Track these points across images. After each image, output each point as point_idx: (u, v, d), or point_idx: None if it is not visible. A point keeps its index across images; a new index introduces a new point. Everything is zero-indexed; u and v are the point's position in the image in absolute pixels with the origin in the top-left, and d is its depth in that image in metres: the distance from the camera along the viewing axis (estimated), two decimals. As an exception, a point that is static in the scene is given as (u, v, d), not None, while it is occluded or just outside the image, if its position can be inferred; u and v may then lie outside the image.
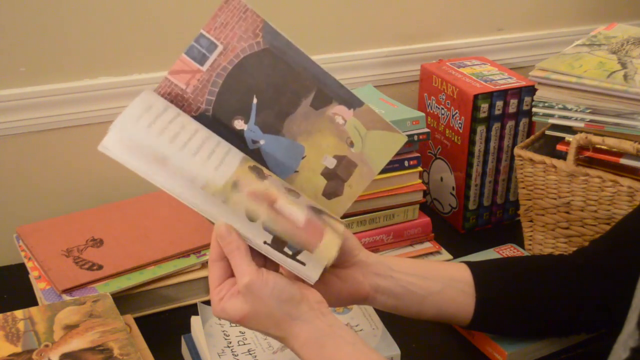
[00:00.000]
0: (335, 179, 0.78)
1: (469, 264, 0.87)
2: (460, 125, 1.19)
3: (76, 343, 0.80)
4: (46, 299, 0.92)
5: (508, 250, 1.11)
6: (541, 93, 1.05)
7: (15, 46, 1.05)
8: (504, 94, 1.17)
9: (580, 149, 1.01)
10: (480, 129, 1.17)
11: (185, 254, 1.00)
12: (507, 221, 1.27)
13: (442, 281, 0.84)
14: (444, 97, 1.22)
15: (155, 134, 0.69)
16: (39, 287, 0.95)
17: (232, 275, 0.71)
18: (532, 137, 1.12)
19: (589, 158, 1.02)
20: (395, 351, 0.85)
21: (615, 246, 0.86)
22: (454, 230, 1.25)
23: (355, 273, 0.80)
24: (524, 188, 1.08)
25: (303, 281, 0.72)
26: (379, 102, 1.14)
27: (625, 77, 0.99)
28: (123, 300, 0.93)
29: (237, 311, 0.69)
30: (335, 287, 0.79)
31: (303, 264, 0.71)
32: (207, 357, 0.84)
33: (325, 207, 0.77)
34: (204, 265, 1.00)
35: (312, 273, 0.71)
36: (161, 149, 0.68)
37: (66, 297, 0.91)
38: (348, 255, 0.79)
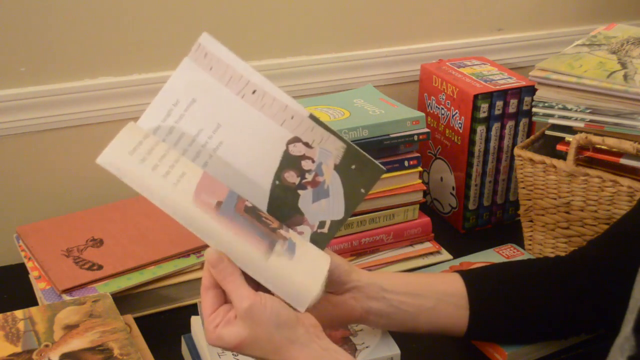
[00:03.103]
0: None
1: (462, 273, 0.87)
2: (460, 125, 1.19)
3: (76, 343, 0.80)
4: (46, 299, 0.92)
5: (508, 250, 1.11)
6: (541, 93, 1.06)
7: (15, 46, 1.05)
8: (504, 94, 1.17)
9: (580, 149, 1.01)
10: (480, 129, 1.17)
11: (185, 254, 1.00)
12: (507, 221, 1.27)
13: (435, 297, 0.84)
14: (444, 97, 1.22)
15: (149, 170, 0.69)
16: (39, 287, 0.95)
17: (225, 302, 0.70)
18: (532, 137, 1.12)
19: (589, 158, 1.02)
20: (395, 351, 0.85)
21: (612, 246, 0.86)
22: (454, 230, 1.25)
23: (347, 299, 0.80)
24: (524, 188, 1.08)
25: None
26: (379, 102, 1.14)
27: (625, 77, 0.99)
28: (123, 300, 0.93)
29: (234, 337, 0.68)
30: (328, 312, 0.79)
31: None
32: (207, 357, 0.84)
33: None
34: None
35: (303, 301, 0.71)
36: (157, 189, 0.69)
37: (66, 297, 0.91)
38: (340, 283, 0.79)
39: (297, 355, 0.69)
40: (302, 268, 0.72)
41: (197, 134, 0.74)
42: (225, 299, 0.70)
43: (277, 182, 0.75)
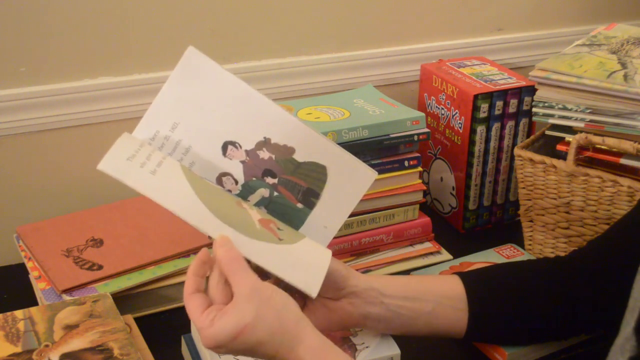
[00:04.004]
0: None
1: (461, 275, 0.87)
2: (460, 125, 1.19)
3: (76, 343, 0.80)
4: (46, 299, 0.92)
5: (508, 250, 1.11)
6: (541, 93, 1.06)
7: (15, 46, 1.05)
8: (504, 94, 1.17)
9: (580, 149, 1.01)
10: (480, 129, 1.17)
11: (185, 254, 1.00)
12: (507, 221, 1.27)
13: (434, 300, 0.83)
14: (444, 97, 1.22)
15: (147, 175, 0.70)
16: (39, 287, 0.95)
17: (211, 304, 0.68)
18: (532, 137, 1.12)
19: (589, 158, 1.02)
20: (395, 351, 0.85)
21: (611, 247, 0.86)
22: (454, 230, 1.25)
23: (344, 304, 0.80)
24: (524, 188, 1.08)
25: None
26: (379, 102, 1.14)
27: (625, 77, 0.99)
28: (123, 300, 0.93)
29: (235, 324, 0.65)
30: (325, 318, 0.79)
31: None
32: (207, 357, 0.84)
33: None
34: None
35: (313, 286, 0.71)
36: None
37: (66, 297, 0.91)
38: (337, 288, 0.79)
39: (309, 333, 0.68)
40: (307, 255, 0.73)
41: (188, 148, 0.75)
42: (210, 302, 0.68)
43: (274, 194, 0.77)
